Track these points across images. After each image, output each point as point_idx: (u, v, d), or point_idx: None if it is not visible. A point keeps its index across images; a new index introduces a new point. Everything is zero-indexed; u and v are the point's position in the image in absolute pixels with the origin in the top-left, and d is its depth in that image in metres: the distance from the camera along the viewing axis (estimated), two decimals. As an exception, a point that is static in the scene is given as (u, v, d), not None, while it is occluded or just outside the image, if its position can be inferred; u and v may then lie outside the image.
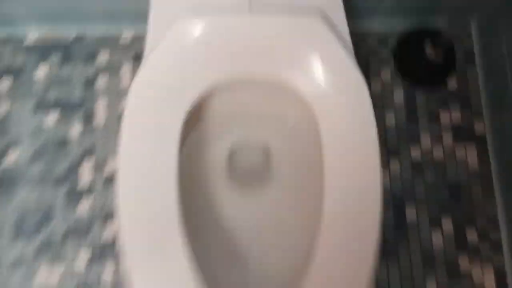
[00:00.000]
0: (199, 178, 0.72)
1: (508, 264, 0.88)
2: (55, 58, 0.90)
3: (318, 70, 0.60)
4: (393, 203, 0.89)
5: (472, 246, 0.89)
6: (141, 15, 0.85)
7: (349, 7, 0.87)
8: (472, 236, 0.89)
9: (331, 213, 0.58)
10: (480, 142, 0.93)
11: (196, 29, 0.55)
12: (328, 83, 0.60)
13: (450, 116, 0.94)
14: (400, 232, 0.88)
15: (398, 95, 0.94)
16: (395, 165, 0.91)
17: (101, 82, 0.90)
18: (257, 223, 0.71)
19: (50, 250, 0.83)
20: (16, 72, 0.89)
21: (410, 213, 0.89)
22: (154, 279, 0.53)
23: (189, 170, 0.69)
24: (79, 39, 0.92)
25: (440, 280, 0.87)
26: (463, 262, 0.88)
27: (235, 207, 0.71)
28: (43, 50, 0.90)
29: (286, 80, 0.60)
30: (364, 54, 0.94)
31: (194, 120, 0.70)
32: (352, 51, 0.63)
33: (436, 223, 0.89)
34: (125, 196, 0.57)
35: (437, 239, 0.88)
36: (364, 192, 0.59)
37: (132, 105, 0.58)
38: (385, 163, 0.90)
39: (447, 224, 0.89)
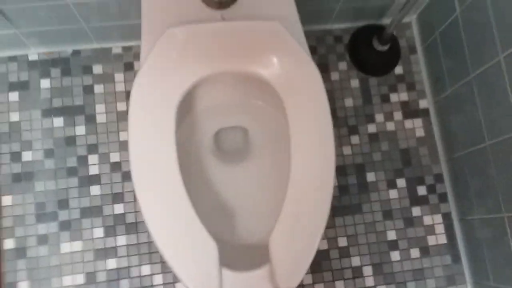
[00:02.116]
0: (193, 153, 0.92)
1: (453, 210, 1.08)
2: (55, 71, 1.09)
3: (278, 61, 0.79)
4: (355, 168, 1.09)
5: (423, 199, 1.08)
6: (127, 33, 1.06)
7: (309, 14, 1.08)
8: (422, 191, 1.09)
9: (297, 172, 0.75)
10: (424, 115, 1.13)
11: (182, 35, 0.75)
12: (287, 69, 0.79)
13: (398, 96, 1.14)
14: (363, 191, 1.08)
15: (354, 83, 1.14)
16: (355, 138, 1.11)
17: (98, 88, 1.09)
18: (240, 185, 0.91)
19: (70, 228, 1.02)
20: (23, 85, 1.08)
21: (370, 175, 1.09)
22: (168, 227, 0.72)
23: (184, 147, 0.89)
24: (76, 54, 1.11)
25: (397, 227, 1.06)
26: (416, 212, 1.07)
27: (222, 175, 0.91)
28: (45, 65, 1.09)
29: (254, 70, 0.79)
30: (324, 51, 1.15)
31: (186, 108, 0.90)
32: (306, 46, 0.82)
33: (391, 182, 1.09)
34: (137, 168, 0.74)
35: (393, 195, 1.08)
36: (322, 153, 0.78)
37: (135, 100, 0.76)
38: (346, 137, 1.11)
39: (401, 183, 1.09)
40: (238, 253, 0.80)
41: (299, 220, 0.74)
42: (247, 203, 0.88)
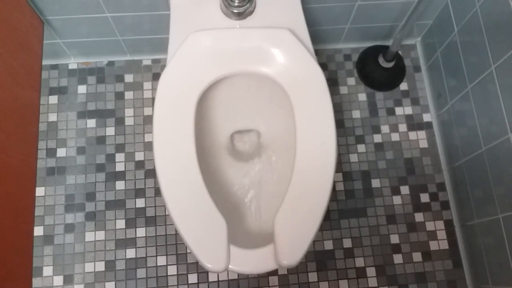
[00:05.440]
0: (209, 148, 1.01)
1: (455, 217, 1.12)
2: (92, 79, 1.22)
3: (286, 63, 0.88)
4: (361, 175, 1.16)
5: (425, 205, 1.14)
6: (156, 47, 1.18)
7: (321, 34, 1.19)
8: (425, 198, 1.14)
9: (301, 158, 0.84)
10: (428, 128, 1.20)
11: (203, 39, 0.87)
12: (294, 71, 0.88)
13: (403, 110, 1.22)
14: (368, 196, 1.14)
15: (362, 97, 1.23)
16: (361, 147, 1.18)
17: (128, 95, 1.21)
18: (250, 179, 0.99)
19: (95, 218, 1.11)
20: (62, 90, 1.21)
21: (375, 182, 1.15)
22: (183, 205, 0.80)
23: (202, 142, 0.98)
24: (110, 64, 1.24)
25: (401, 231, 1.11)
26: (419, 218, 1.12)
27: (235, 169, 1.00)
28: (83, 73, 1.23)
29: (266, 72, 0.89)
30: (334, 67, 1.25)
31: (205, 108, 1.00)
32: (313, 51, 0.92)
33: (395, 189, 1.15)
34: (160, 160, 0.83)
35: (397, 201, 1.14)
36: (325, 140, 0.85)
37: (160, 94, 0.86)
38: (353, 145, 1.18)
39: (405, 190, 1.15)
40: (246, 236, 0.87)
41: (302, 204, 0.81)
42: (256, 195, 0.96)
